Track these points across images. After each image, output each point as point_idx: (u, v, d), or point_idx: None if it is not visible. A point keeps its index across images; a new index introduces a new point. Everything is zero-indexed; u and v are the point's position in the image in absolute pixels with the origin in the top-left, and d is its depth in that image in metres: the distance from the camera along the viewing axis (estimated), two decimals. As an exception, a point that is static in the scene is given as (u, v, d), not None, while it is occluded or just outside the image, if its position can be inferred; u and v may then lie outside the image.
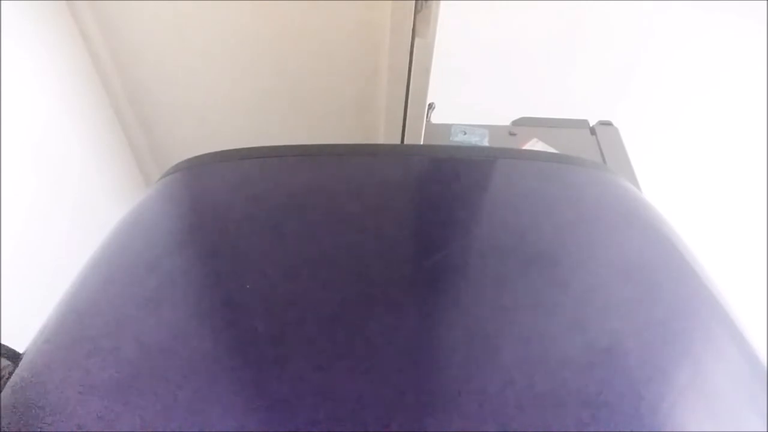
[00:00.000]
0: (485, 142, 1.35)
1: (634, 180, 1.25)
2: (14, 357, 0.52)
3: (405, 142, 1.38)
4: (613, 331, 0.50)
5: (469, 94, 1.83)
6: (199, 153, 0.78)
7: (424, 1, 1.09)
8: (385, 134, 1.43)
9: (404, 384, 0.45)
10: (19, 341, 0.55)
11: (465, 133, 1.37)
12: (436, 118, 1.46)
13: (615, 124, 1.45)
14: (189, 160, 0.77)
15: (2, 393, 0.48)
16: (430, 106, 1.42)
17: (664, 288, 0.57)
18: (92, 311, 0.54)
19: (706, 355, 0.51)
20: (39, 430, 0.43)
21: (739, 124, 1.96)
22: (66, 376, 0.47)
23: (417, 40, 1.15)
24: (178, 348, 0.48)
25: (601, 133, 1.41)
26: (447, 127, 1.40)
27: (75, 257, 0.75)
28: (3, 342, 0.52)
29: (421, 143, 1.36)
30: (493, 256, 0.59)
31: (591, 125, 1.45)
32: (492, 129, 1.40)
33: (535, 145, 1.35)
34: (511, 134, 1.39)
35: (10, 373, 0.50)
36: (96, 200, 1.38)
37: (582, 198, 0.72)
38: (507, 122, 1.47)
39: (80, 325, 0.53)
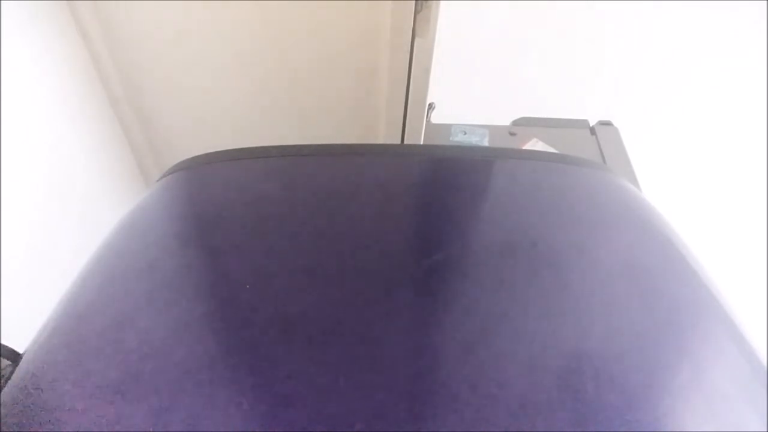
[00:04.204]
0: (485, 142, 1.35)
1: (634, 180, 1.24)
2: (14, 357, 0.52)
3: (405, 142, 1.38)
4: (612, 331, 0.50)
5: (469, 94, 1.83)
6: (199, 153, 0.78)
7: (424, 1, 1.09)
8: (385, 134, 1.43)
9: (404, 384, 0.45)
10: (20, 341, 0.55)
11: (465, 133, 1.37)
12: (436, 118, 1.46)
13: (615, 124, 1.45)
14: (189, 160, 0.77)
15: (2, 393, 0.48)
16: (430, 106, 1.42)
17: (663, 288, 0.57)
18: (92, 311, 0.54)
19: (706, 355, 0.51)
20: (39, 430, 0.43)
21: (739, 124, 1.96)
22: (66, 376, 0.47)
23: (417, 40, 1.15)
24: (178, 347, 0.48)
25: (601, 133, 1.41)
26: (447, 127, 1.40)
27: (74, 257, 0.75)
28: (3, 342, 0.52)
29: (421, 143, 1.36)
30: (492, 257, 0.59)
31: (591, 125, 1.45)
32: (492, 129, 1.40)
33: (535, 145, 1.35)
34: (511, 134, 1.39)
35: (11, 373, 0.50)
36: (95, 200, 1.38)
37: (582, 198, 0.72)
38: (507, 122, 1.46)
39: (80, 325, 0.53)
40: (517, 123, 1.46)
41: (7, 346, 0.52)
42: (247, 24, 1.26)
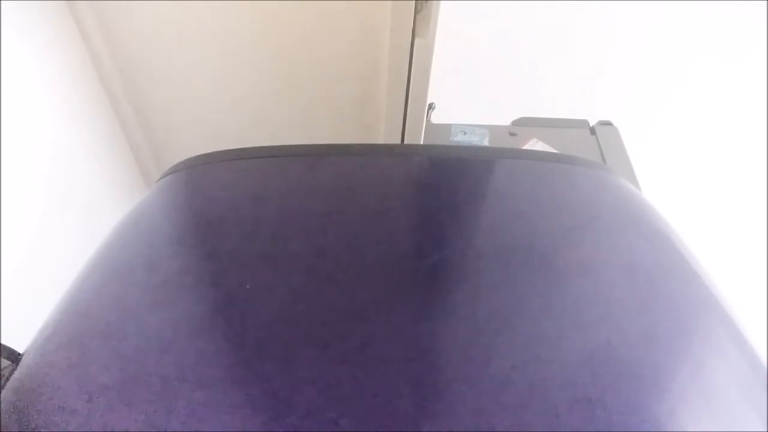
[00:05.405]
0: (485, 142, 1.35)
1: (634, 180, 1.24)
2: (14, 357, 0.52)
3: (405, 142, 1.38)
4: (612, 331, 0.50)
5: (469, 94, 1.83)
6: (199, 153, 0.78)
7: (424, 1, 1.09)
8: (385, 134, 1.43)
9: (403, 383, 0.45)
10: (20, 341, 0.55)
11: (465, 133, 1.37)
12: (436, 118, 1.46)
13: (615, 124, 1.45)
14: (189, 160, 0.77)
15: (2, 393, 0.48)
16: (430, 106, 1.42)
17: (663, 288, 0.57)
18: (92, 311, 0.54)
19: (706, 355, 0.51)
20: (39, 430, 0.43)
21: (739, 124, 1.96)
22: (66, 376, 0.47)
23: (417, 40, 1.15)
24: (178, 347, 0.48)
25: (601, 133, 1.41)
26: (447, 127, 1.40)
27: (74, 257, 0.75)
28: (3, 342, 0.52)
29: (421, 143, 1.36)
30: (492, 256, 0.59)
31: (591, 125, 1.45)
32: (492, 129, 1.40)
33: (535, 145, 1.35)
34: (511, 134, 1.39)
35: (11, 373, 0.50)
36: (95, 200, 1.38)
37: (582, 198, 0.72)
38: (507, 122, 1.46)
39: (80, 325, 0.53)
40: (517, 123, 1.46)
41: (7, 346, 0.52)
42: (247, 24, 1.26)
